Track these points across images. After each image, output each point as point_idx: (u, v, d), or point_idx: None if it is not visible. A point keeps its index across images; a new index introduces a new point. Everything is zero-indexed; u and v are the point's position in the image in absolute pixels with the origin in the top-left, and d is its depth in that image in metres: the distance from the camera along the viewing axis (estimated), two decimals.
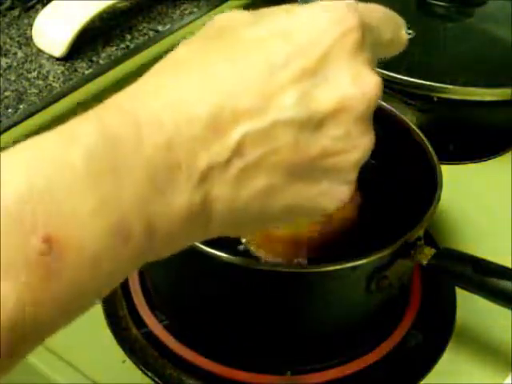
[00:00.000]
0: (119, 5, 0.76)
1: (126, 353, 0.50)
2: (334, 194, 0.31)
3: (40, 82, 0.67)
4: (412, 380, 0.50)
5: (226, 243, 0.51)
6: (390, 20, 0.37)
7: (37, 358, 0.48)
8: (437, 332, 0.53)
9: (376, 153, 0.59)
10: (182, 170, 0.27)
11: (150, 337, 0.51)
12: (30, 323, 0.25)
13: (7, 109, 0.63)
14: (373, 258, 0.44)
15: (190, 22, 0.75)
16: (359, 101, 0.30)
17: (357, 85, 0.30)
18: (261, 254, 0.48)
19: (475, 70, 0.64)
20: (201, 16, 0.76)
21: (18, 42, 0.72)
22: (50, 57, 0.70)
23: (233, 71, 0.28)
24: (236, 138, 0.28)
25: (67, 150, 0.25)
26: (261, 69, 0.28)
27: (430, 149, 0.50)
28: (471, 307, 0.53)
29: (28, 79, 0.67)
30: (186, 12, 0.78)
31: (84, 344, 0.51)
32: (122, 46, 0.72)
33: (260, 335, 0.48)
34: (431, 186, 0.48)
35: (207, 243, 0.43)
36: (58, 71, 0.68)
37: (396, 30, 0.38)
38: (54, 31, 0.70)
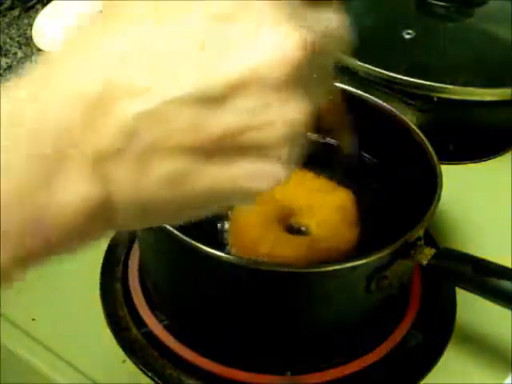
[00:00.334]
0: None
1: (126, 353, 0.50)
2: (264, 174, 0.27)
3: None
4: (412, 380, 0.50)
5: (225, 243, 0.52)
6: None
7: (37, 358, 0.49)
8: (437, 332, 0.53)
9: (376, 153, 0.59)
10: (70, 157, 0.24)
11: (150, 337, 0.51)
12: None
13: None
14: (373, 258, 0.44)
15: None
16: (276, 67, 0.25)
17: (273, 46, 0.25)
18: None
19: (475, 70, 0.64)
20: None
21: (18, 41, 0.72)
22: None
23: (123, 44, 0.25)
24: (126, 118, 0.25)
25: None
26: (153, 40, 0.25)
27: (430, 149, 0.50)
28: (471, 307, 0.53)
29: None
30: None
31: (84, 344, 0.51)
32: None
33: (260, 335, 0.48)
34: (431, 186, 0.48)
35: (207, 243, 0.43)
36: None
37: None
38: (53, 31, 0.70)
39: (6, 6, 0.76)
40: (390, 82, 0.62)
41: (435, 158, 0.50)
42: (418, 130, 0.52)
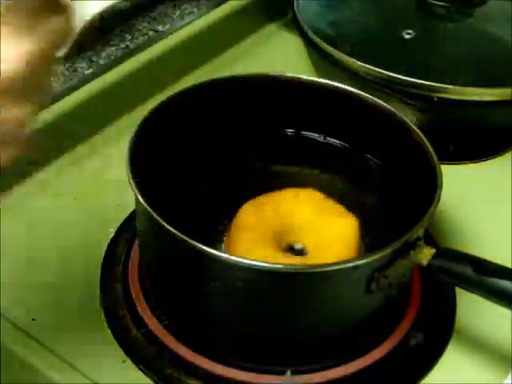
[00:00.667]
0: (119, 5, 0.76)
1: (126, 353, 0.50)
2: None
3: None
4: (412, 380, 0.50)
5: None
6: None
7: (37, 358, 0.49)
8: (437, 332, 0.53)
9: (376, 153, 0.59)
10: None
11: (150, 337, 0.51)
12: None
13: None
14: (373, 257, 0.44)
15: (190, 22, 0.75)
16: None
17: None
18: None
19: (475, 70, 0.64)
20: (201, 16, 0.76)
21: None
22: None
23: None
24: None
25: None
26: None
27: (430, 149, 0.50)
28: (471, 307, 0.53)
29: None
30: (186, 12, 0.78)
31: (84, 344, 0.51)
32: (122, 45, 0.72)
33: (260, 335, 0.48)
34: (431, 186, 0.48)
35: (207, 243, 0.43)
36: (58, 71, 0.68)
37: None
38: None
39: None
40: (390, 81, 0.62)
41: (435, 158, 0.50)
42: (417, 130, 0.52)
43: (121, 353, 0.50)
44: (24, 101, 0.29)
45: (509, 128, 0.68)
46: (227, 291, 0.45)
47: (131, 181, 0.46)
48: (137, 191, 0.46)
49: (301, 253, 0.50)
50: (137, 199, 0.46)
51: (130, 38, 0.74)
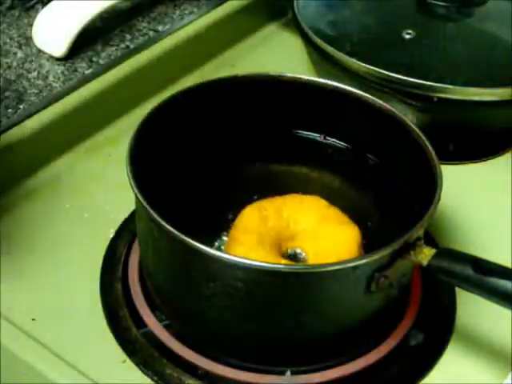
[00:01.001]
0: (119, 5, 0.76)
1: (126, 353, 0.50)
2: None
3: (40, 82, 0.67)
4: (412, 380, 0.50)
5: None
6: None
7: (37, 358, 0.49)
8: (437, 332, 0.53)
9: (376, 153, 0.59)
10: None
11: (150, 337, 0.51)
12: None
13: (7, 109, 0.63)
14: (373, 257, 0.44)
15: (190, 22, 0.75)
16: None
17: None
18: None
19: (475, 70, 0.64)
20: (201, 16, 0.76)
21: (18, 42, 0.72)
22: (50, 57, 0.70)
23: None
24: None
25: None
26: None
27: (430, 149, 0.50)
28: (471, 307, 0.53)
29: (28, 79, 0.67)
30: (186, 12, 0.78)
31: (84, 344, 0.51)
32: (122, 45, 0.72)
33: (260, 335, 0.48)
34: (431, 186, 0.48)
35: (207, 243, 0.43)
36: (58, 71, 0.68)
37: None
38: (54, 31, 0.70)
39: (6, 5, 0.76)
40: (390, 81, 0.62)
41: (435, 158, 0.50)
42: (417, 130, 0.52)
43: (121, 353, 0.50)
44: None
45: (509, 128, 0.68)
46: (227, 291, 0.45)
47: (131, 181, 0.46)
48: (137, 191, 0.46)
49: (300, 259, 0.50)
50: (137, 199, 0.46)
51: (130, 37, 0.74)
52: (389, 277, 0.45)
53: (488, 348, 0.52)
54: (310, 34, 0.67)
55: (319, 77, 0.59)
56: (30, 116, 0.63)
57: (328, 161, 0.58)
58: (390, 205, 0.54)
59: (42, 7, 0.73)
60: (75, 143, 0.66)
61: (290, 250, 0.51)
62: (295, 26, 0.70)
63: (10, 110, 0.63)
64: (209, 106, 0.55)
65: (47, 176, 0.63)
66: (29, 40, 0.71)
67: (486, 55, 0.66)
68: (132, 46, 0.72)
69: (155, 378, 0.49)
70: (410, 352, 0.51)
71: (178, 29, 0.74)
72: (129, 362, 0.50)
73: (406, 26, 0.68)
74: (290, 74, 0.57)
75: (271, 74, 0.57)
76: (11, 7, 0.76)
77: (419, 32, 0.67)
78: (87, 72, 0.68)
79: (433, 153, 0.50)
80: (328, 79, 0.56)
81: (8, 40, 0.72)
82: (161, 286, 0.51)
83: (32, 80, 0.67)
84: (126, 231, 0.58)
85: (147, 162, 0.50)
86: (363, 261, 0.44)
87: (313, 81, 0.57)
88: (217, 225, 0.53)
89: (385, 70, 0.62)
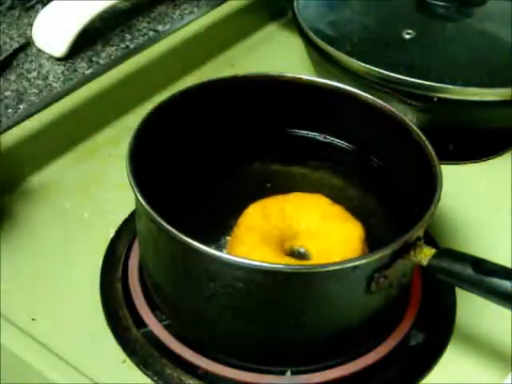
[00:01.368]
0: (119, 5, 0.76)
1: (126, 353, 0.50)
2: None
3: (40, 82, 0.67)
4: (412, 380, 0.50)
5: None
6: None
7: (37, 358, 0.49)
8: (437, 332, 0.53)
9: (376, 153, 0.59)
10: None
11: (150, 337, 0.51)
12: None
13: (7, 109, 0.63)
14: (373, 257, 0.44)
15: (190, 21, 0.75)
16: None
17: None
18: None
19: (475, 70, 0.64)
20: (201, 16, 0.76)
21: (18, 42, 0.72)
22: (50, 57, 0.70)
23: None
24: None
25: None
26: None
27: (430, 149, 0.50)
28: (471, 307, 0.53)
29: (28, 79, 0.67)
30: (186, 12, 0.78)
31: (84, 344, 0.51)
32: (122, 45, 0.72)
33: (260, 335, 0.48)
34: (431, 186, 0.48)
35: (207, 243, 0.43)
36: (58, 71, 0.68)
37: None
38: (54, 31, 0.70)
39: (6, 5, 0.76)
40: (390, 81, 0.62)
41: (435, 158, 0.50)
42: (417, 130, 0.52)
43: (121, 353, 0.50)
44: None
45: (509, 128, 0.68)
46: (227, 291, 0.45)
47: (131, 181, 0.46)
48: (137, 191, 0.46)
49: (304, 257, 0.50)
50: (137, 199, 0.46)
51: (130, 37, 0.74)
52: (389, 277, 0.45)
53: (488, 348, 0.52)
54: (310, 34, 0.67)
55: (319, 77, 0.59)
56: (29, 116, 0.63)
57: (328, 160, 0.58)
58: (390, 205, 0.54)
59: (42, 7, 0.73)
60: (75, 143, 0.66)
61: (293, 248, 0.50)
62: (295, 26, 0.70)
63: (10, 110, 0.63)
64: (209, 106, 0.55)
65: (47, 176, 0.63)
66: (29, 40, 0.71)
67: (486, 55, 0.66)
68: (132, 46, 0.72)
69: (155, 378, 0.49)
70: (410, 352, 0.51)
71: (178, 29, 0.74)
72: (129, 361, 0.50)
73: (405, 25, 0.68)
74: (290, 74, 0.57)
75: (271, 74, 0.57)
76: (11, 7, 0.76)
77: (419, 32, 0.67)
78: (87, 72, 0.68)
79: (433, 153, 0.50)
80: (328, 79, 0.56)
81: (8, 40, 0.72)
82: (161, 286, 0.51)
83: (32, 80, 0.67)
84: (126, 231, 0.58)
85: (147, 162, 0.50)
86: (363, 261, 0.44)
87: (313, 81, 0.57)
88: (217, 224, 0.53)
89: (385, 70, 0.62)
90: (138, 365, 0.50)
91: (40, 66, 0.69)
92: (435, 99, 0.62)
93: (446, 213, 0.60)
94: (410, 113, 0.62)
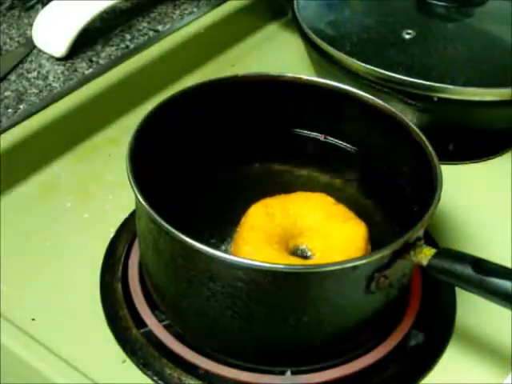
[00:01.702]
0: (119, 5, 0.76)
1: (126, 353, 0.50)
2: None
3: (40, 82, 0.67)
4: (412, 380, 0.50)
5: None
6: None
7: (37, 358, 0.49)
8: (437, 332, 0.53)
9: (376, 152, 0.59)
10: None
11: (150, 337, 0.51)
12: None
13: (7, 109, 0.63)
14: (373, 257, 0.44)
15: (190, 21, 0.75)
16: None
17: None
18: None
19: (475, 70, 0.64)
20: (201, 16, 0.76)
21: (18, 42, 0.72)
22: (50, 57, 0.70)
23: None
24: None
25: None
26: None
27: (430, 149, 0.50)
28: (471, 307, 0.53)
29: (28, 79, 0.67)
30: (186, 12, 0.78)
31: (84, 344, 0.51)
32: (122, 45, 0.73)
33: (260, 335, 0.48)
34: (431, 186, 0.48)
35: (207, 243, 0.43)
36: (58, 71, 0.68)
37: None
38: (53, 31, 0.70)
39: (5, 5, 0.76)
40: (390, 81, 0.62)
41: (435, 158, 0.50)
42: (417, 130, 0.52)
43: (121, 353, 0.50)
44: None
45: (509, 128, 0.68)
46: (227, 291, 0.45)
47: (131, 181, 0.46)
48: (137, 191, 0.46)
49: (307, 256, 0.50)
50: (137, 199, 0.46)
51: (130, 38, 0.74)
52: (389, 277, 0.45)
53: (488, 348, 0.52)
54: (310, 34, 0.67)
55: (319, 77, 0.59)
56: (29, 116, 0.63)
57: (328, 160, 0.58)
58: (390, 205, 0.54)
59: (42, 7, 0.73)
60: (75, 143, 0.66)
61: (296, 247, 0.50)
62: (295, 26, 0.70)
63: (10, 110, 0.63)
64: (209, 106, 0.55)
65: (47, 176, 0.63)
66: (29, 40, 0.71)
67: (486, 55, 0.66)
68: (132, 46, 0.72)
69: (155, 378, 0.49)
70: (410, 352, 0.51)
71: (178, 29, 0.74)
72: (129, 361, 0.50)
73: (405, 25, 0.68)
74: (290, 74, 0.57)
75: (271, 74, 0.57)
76: (11, 7, 0.76)
77: (419, 32, 0.67)
78: (87, 72, 0.68)
79: (433, 153, 0.50)
80: (328, 79, 0.56)
81: (8, 40, 0.72)
82: (161, 286, 0.51)
83: (32, 80, 0.67)
84: (126, 231, 0.58)
85: (147, 161, 0.50)
86: (363, 261, 0.44)
87: (313, 81, 0.57)
88: (216, 224, 0.53)
89: (385, 70, 0.62)
90: (138, 365, 0.50)
91: (40, 65, 0.69)
92: (435, 99, 0.62)
93: (445, 213, 0.60)
94: (410, 113, 0.62)
